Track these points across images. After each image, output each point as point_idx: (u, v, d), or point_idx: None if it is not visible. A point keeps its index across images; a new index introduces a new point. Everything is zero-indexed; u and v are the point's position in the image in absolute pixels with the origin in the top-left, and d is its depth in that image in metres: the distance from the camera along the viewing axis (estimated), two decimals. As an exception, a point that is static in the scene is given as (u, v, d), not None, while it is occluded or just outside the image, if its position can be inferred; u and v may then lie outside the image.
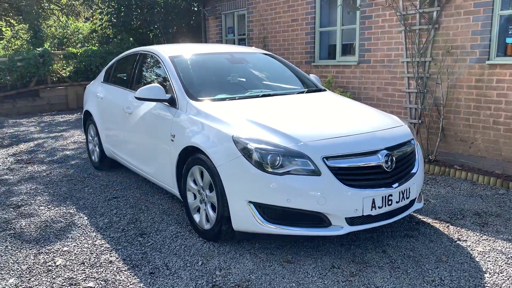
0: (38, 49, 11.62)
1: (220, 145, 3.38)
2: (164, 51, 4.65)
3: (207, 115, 3.69)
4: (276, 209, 3.16)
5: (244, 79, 4.66)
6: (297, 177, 3.11)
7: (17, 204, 4.57)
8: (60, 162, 6.32)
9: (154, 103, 4.29)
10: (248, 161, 3.18)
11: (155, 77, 4.67)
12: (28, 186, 5.20)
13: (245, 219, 3.23)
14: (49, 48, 12.44)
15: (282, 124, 3.42)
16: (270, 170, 3.13)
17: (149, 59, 4.90)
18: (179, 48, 4.88)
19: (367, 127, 3.54)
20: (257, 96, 4.18)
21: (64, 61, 12.23)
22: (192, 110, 3.83)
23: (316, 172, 3.12)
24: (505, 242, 3.56)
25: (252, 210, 3.19)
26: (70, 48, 12.76)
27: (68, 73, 12.30)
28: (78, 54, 12.12)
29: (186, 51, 4.72)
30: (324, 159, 3.14)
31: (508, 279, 3.01)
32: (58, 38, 14.77)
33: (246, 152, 3.21)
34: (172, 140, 3.90)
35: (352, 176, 3.20)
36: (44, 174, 5.70)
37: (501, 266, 3.18)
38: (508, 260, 3.26)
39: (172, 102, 4.06)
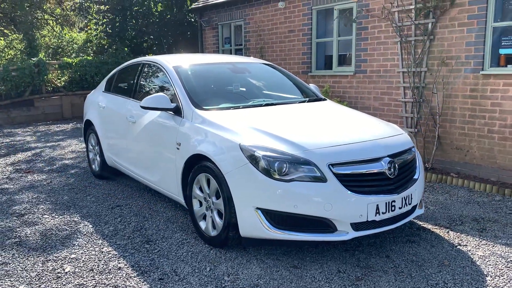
0: (33, 59, 11.63)
1: (227, 153, 3.45)
2: (168, 61, 4.72)
3: (213, 123, 3.76)
4: (283, 215, 3.23)
5: (246, 89, 4.75)
6: (304, 184, 3.19)
7: (20, 213, 4.58)
8: (60, 171, 6.33)
9: (158, 112, 4.35)
10: (256, 168, 3.26)
11: (158, 86, 4.74)
12: (29, 195, 5.21)
13: (252, 225, 3.29)
14: (44, 58, 12.46)
15: (287, 132, 3.51)
16: (277, 177, 3.20)
17: (152, 69, 4.97)
18: (181, 58, 4.97)
19: (370, 135, 3.64)
20: (260, 105, 4.27)
21: (59, 71, 12.25)
22: (198, 119, 3.91)
23: (322, 179, 3.20)
24: (504, 246, 3.66)
25: (260, 216, 3.25)
26: (65, 58, 12.78)
27: (63, 83, 12.32)
28: (73, 64, 12.15)
29: (189, 61, 4.81)
30: (330, 166, 3.23)
31: (509, 281, 3.11)
32: (52, 48, 14.79)
33: (253, 160, 3.28)
34: (178, 149, 3.96)
35: (357, 183, 3.29)
36: (45, 183, 5.71)
37: (502, 270, 3.28)
38: (508, 264, 3.36)
39: (177, 111, 4.13)
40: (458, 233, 3.94)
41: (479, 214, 4.41)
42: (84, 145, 8.06)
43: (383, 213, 3.31)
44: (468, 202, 4.79)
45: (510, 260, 3.41)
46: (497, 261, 3.40)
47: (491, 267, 3.31)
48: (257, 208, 3.26)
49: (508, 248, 3.63)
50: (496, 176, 5.43)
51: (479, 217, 4.35)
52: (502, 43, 5.33)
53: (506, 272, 3.24)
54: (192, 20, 13.78)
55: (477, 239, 3.81)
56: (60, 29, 15.71)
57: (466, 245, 3.69)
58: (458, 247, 3.66)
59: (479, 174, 5.59)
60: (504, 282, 3.10)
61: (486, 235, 3.89)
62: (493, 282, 3.10)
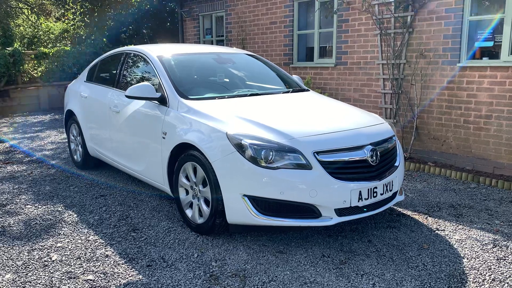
0: (8, 48, 11.34)
1: (215, 141, 3.50)
2: (152, 50, 4.72)
3: (199, 113, 3.79)
4: (270, 201, 3.31)
5: (231, 79, 4.79)
6: (290, 171, 3.27)
7: (1, 203, 4.53)
8: (40, 162, 6.25)
9: (142, 102, 4.35)
10: (243, 157, 3.32)
11: (143, 76, 4.73)
12: (10, 185, 5.14)
13: (239, 212, 3.36)
14: (20, 47, 12.16)
15: (273, 121, 3.57)
16: (263, 164, 3.27)
17: (135, 59, 4.95)
18: (165, 48, 4.96)
19: (353, 124, 3.74)
20: (245, 95, 4.32)
21: (35, 61, 11.98)
22: (183, 108, 3.93)
23: (307, 166, 3.28)
24: (479, 230, 3.83)
25: (247, 203, 3.32)
26: (42, 48, 12.50)
27: (39, 74, 12.05)
28: (50, 54, 11.90)
29: (173, 51, 4.81)
30: (315, 153, 3.32)
31: (484, 263, 3.26)
32: (28, 38, 14.43)
33: (240, 148, 3.34)
34: (164, 138, 3.98)
35: (341, 170, 3.38)
36: (25, 173, 5.64)
37: (477, 252, 3.44)
38: (483, 247, 3.52)
39: (162, 101, 4.14)
40: (436, 219, 4.09)
41: (456, 201, 4.59)
42: (64, 136, 7.98)
43: (365, 199, 3.43)
44: (445, 190, 4.97)
45: (485, 243, 3.58)
46: (473, 244, 3.57)
47: (467, 250, 3.47)
48: (244, 195, 3.32)
49: (483, 232, 3.80)
50: (471, 165, 5.63)
51: (456, 203, 4.52)
52: (478, 36, 5.51)
53: (482, 254, 3.40)
54: (172, 11, 13.66)
55: (454, 224, 3.97)
56: (36, 18, 15.33)
57: (444, 230, 3.85)
58: (436, 231, 3.81)
59: (455, 163, 5.79)
60: (480, 263, 3.26)
61: (462, 220, 4.06)
62: (469, 264, 3.25)
